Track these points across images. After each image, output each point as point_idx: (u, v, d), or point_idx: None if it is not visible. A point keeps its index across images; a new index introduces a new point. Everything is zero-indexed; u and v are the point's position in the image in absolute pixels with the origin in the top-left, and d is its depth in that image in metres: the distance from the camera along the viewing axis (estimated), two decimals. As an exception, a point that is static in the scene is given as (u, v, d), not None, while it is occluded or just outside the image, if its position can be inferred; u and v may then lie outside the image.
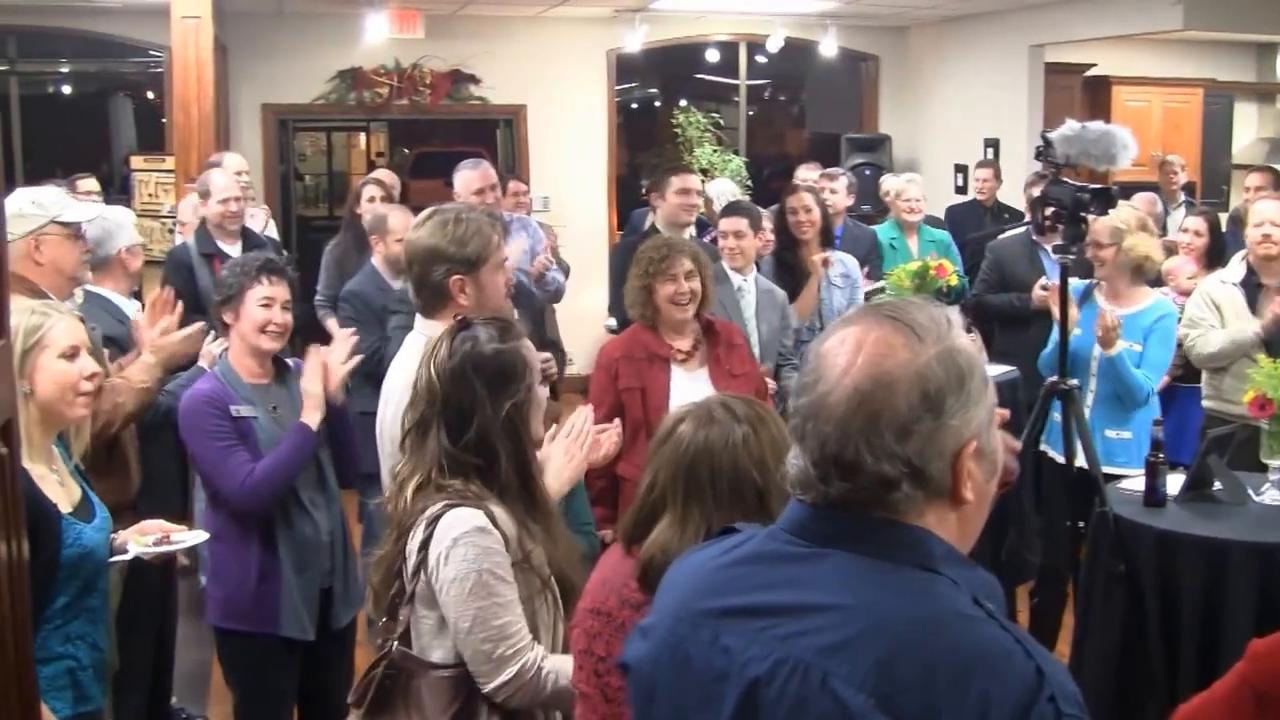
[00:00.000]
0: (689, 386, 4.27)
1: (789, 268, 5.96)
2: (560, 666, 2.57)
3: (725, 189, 8.02)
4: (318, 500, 3.76)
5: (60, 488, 3.02)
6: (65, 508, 2.98)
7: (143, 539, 3.27)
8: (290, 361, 3.91)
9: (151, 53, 10.77)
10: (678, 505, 2.28)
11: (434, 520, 2.55)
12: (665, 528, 2.28)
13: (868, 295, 6.15)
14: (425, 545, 2.55)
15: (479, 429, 2.60)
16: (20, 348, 2.91)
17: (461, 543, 2.51)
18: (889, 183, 8.04)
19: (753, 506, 2.22)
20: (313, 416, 3.69)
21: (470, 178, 5.83)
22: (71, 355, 3.04)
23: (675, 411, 2.42)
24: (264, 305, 3.71)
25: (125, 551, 3.23)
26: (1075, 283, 5.21)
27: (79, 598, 2.96)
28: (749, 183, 11.26)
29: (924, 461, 1.46)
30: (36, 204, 3.89)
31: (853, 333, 1.50)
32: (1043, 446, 5.05)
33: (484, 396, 2.60)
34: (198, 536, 3.46)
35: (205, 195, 6.16)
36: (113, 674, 3.54)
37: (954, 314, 1.55)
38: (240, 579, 3.67)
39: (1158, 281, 6.21)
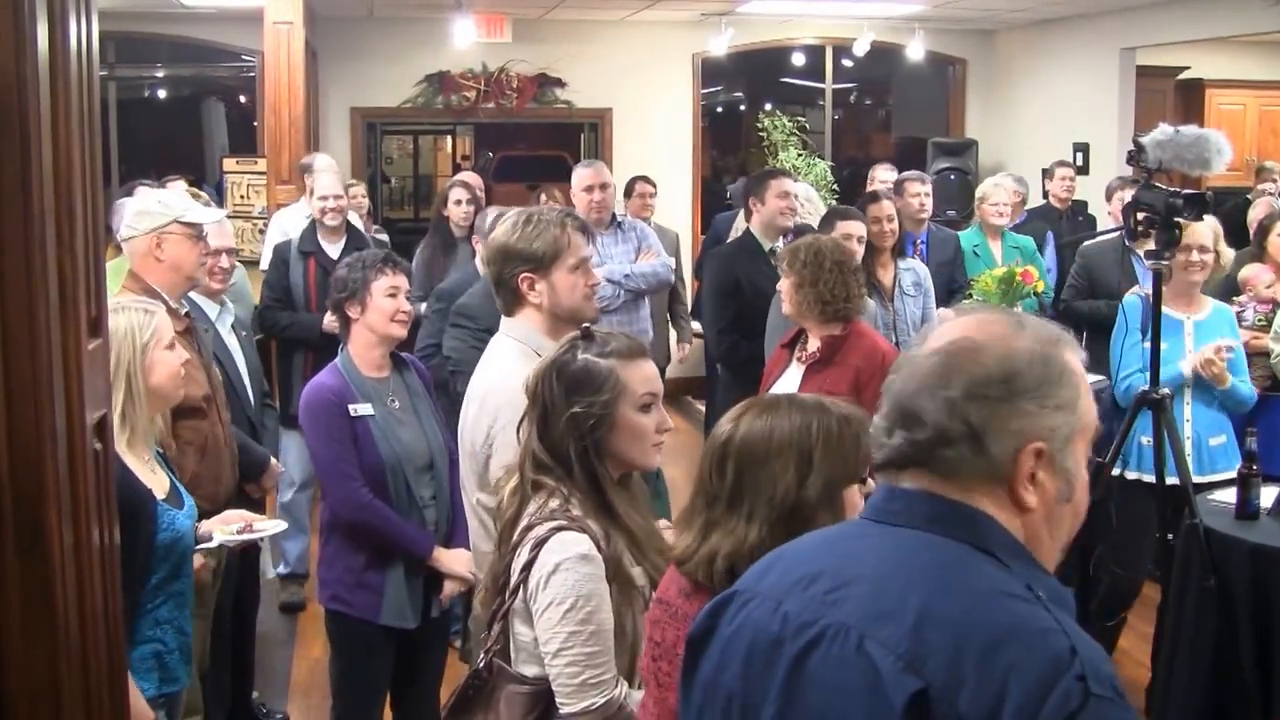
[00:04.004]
0: (784, 382, 4.39)
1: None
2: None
3: (803, 194, 7.94)
4: (427, 495, 3.90)
5: (153, 475, 3.17)
6: (159, 494, 3.12)
7: (226, 528, 3.42)
8: (405, 356, 4.07)
9: (244, 57, 10.98)
10: (701, 501, 2.31)
11: (540, 543, 2.56)
12: (690, 526, 2.32)
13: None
14: (528, 567, 2.57)
15: (554, 431, 2.63)
16: (141, 342, 3.13)
17: (563, 568, 2.53)
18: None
19: (761, 516, 2.20)
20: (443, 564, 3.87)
21: (583, 175, 6.17)
22: (172, 346, 3.26)
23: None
24: (390, 295, 3.88)
25: (209, 540, 3.37)
26: (1129, 297, 5.15)
27: (167, 581, 3.09)
28: (835, 187, 11.20)
29: (984, 430, 1.51)
30: (162, 203, 4.09)
31: (967, 316, 1.60)
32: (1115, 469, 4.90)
33: (559, 400, 2.63)
34: (278, 525, 3.63)
35: (310, 193, 6.39)
36: (202, 671, 3.67)
37: (1071, 338, 1.61)
38: (348, 565, 3.83)
39: (1236, 290, 6.09)
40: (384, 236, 8.42)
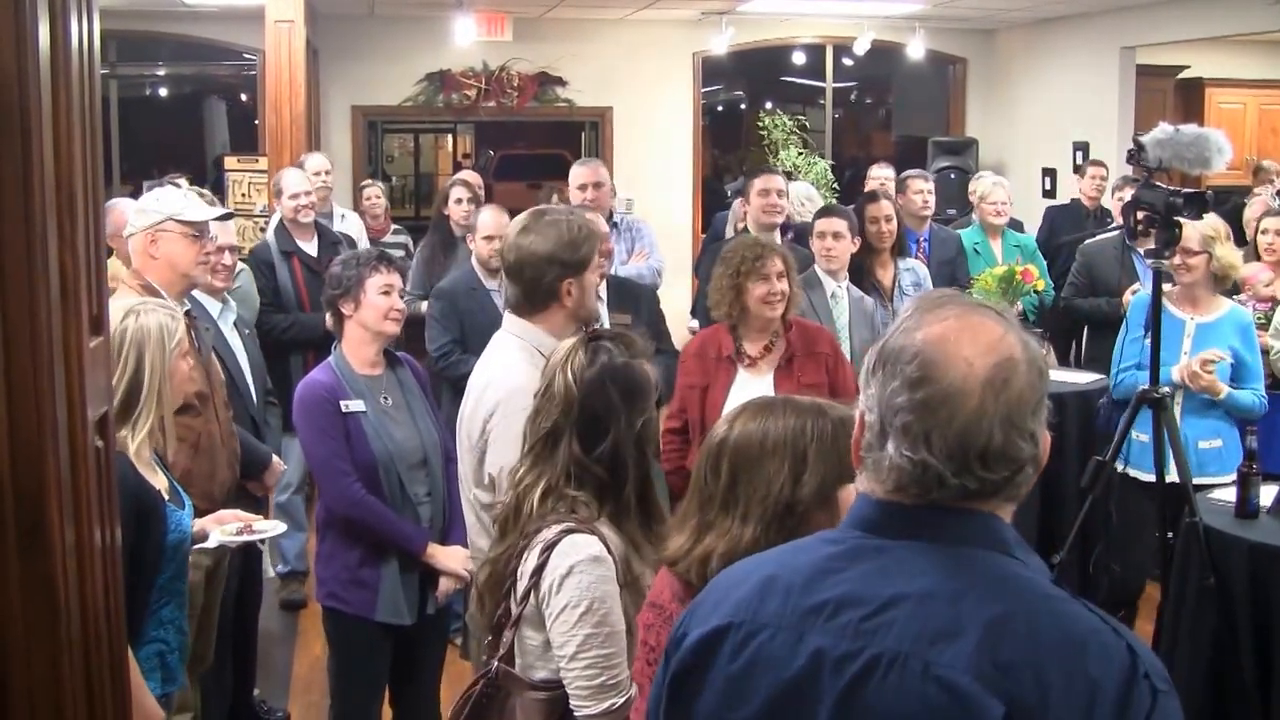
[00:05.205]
0: (750, 390, 4.21)
1: (861, 276, 5.85)
2: None
3: (802, 192, 7.94)
4: (421, 492, 3.91)
5: (154, 475, 3.18)
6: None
7: (226, 528, 3.43)
8: (399, 355, 4.06)
9: (245, 56, 10.99)
10: (695, 504, 2.30)
11: (549, 546, 2.54)
12: (683, 529, 2.31)
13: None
14: (538, 571, 2.55)
15: (613, 441, 2.60)
16: (168, 347, 3.16)
17: (576, 571, 2.51)
18: (977, 184, 7.90)
19: (756, 515, 2.20)
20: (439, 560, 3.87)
21: (578, 173, 6.18)
22: (185, 351, 3.31)
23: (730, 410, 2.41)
24: (384, 293, 3.89)
25: (205, 539, 3.38)
26: (1143, 294, 5.13)
27: (172, 580, 3.10)
28: (835, 185, 11.20)
29: (1039, 439, 1.46)
30: (158, 200, 4.13)
31: (951, 324, 1.46)
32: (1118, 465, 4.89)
33: (619, 408, 2.60)
34: (277, 527, 3.66)
35: (279, 194, 6.38)
36: (202, 670, 3.68)
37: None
38: (344, 562, 3.84)
39: (1235, 289, 6.09)
40: (404, 238, 8.42)
